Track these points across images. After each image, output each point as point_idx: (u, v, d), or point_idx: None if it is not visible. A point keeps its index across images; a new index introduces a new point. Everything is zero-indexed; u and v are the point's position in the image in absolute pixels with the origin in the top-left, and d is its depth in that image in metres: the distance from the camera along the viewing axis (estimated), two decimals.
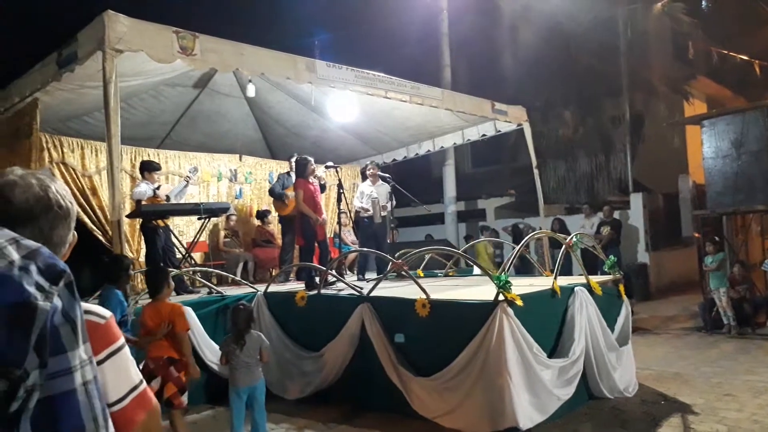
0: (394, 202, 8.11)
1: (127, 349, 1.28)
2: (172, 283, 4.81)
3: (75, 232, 1.30)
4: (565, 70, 14.86)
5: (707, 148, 9.18)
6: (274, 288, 6.71)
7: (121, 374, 1.26)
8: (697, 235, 9.86)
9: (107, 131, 5.12)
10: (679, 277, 13.72)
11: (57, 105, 7.08)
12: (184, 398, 4.43)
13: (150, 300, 4.58)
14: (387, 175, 8.20)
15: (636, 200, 13.60)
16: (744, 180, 8.68)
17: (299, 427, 5.16)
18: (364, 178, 8.26)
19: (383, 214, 7.80)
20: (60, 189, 1.24)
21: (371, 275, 7.63)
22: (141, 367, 4.41)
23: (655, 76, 14.86)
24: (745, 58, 15.22)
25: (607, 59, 14.42)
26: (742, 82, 17.09)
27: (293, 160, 8.06)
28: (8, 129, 7.20)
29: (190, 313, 5.38)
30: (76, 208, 1.30)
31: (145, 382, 1.32)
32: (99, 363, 1.21)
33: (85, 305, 1.24)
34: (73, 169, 7.75)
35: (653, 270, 13.19)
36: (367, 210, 7.72)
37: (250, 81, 7.82)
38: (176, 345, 4.39)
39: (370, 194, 7.80)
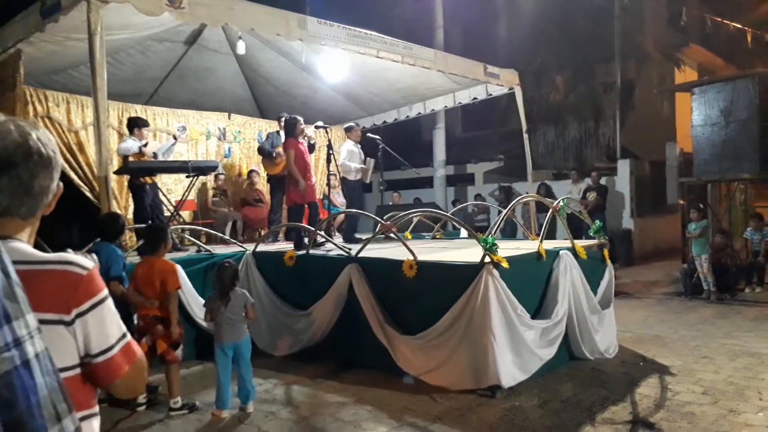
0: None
1: (110, 301, 1.26)
2: (170, 242, 4.82)
3: (60, 183, 1.27)
4: (560, 34, 14.72)
5: (697, 115, 9.21)
6: (263, 247, 6.74)
7: (105, 325, 1.24)
8: (681, 202, 9.98)
9: (93, 85, 5.06)
10: (663, 243, 13.94)
11: (41, 57, 6.92)
12: (178, 353, 4.50)
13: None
14: (377, 136, 8.16)
15: (623, 167, 13.68)
16: (731, 148, 8.73)
17: (287, 383, 5.25)
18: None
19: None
20: (42, 136, 1.20)
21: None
22: (135, 324, 4.48)
23: (648, 42, 14.77)
24: (738, 26, 15.12)
25: (601, 24, 14.28)
26: (733, 50, 17.01)
27: (282, 119, 7.98)
28: None
29: (179, 270, 5.40)
30: (60, 157, 1.26)
31: (129, 335, 1.31)
32: (82, 314, 1.19)
33: (68, 256, 1.23)
34: (59, 124, 7.64)
35: (637, 236, 13.37)
36: (363, 170, 7.62)
37: (240, 38, 7.67)
38: (164, 302, 4.44)
39: (359, 153, 7.74)
